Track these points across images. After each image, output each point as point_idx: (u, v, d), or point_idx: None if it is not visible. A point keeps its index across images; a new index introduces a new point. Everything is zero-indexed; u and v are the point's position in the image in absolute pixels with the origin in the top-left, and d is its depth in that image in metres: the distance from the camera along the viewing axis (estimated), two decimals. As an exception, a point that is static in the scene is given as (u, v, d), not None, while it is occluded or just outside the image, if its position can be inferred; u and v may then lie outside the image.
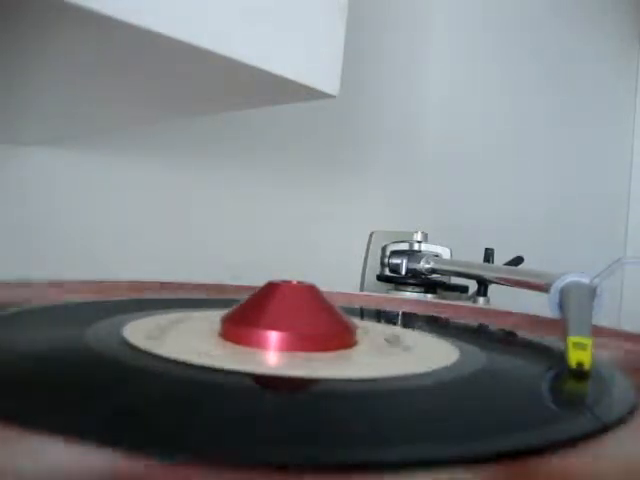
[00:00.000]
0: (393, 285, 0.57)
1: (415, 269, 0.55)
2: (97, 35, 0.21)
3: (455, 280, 0.56)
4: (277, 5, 0.25)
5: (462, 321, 0.33)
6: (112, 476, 0.10)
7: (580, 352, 0.18)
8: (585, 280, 0.24)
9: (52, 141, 0.46)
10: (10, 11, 0.19)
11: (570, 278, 0.25)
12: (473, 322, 0.33)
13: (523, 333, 0.30)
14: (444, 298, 0.55)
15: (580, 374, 0.18)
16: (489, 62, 0.92)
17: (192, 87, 0.29)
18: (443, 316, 0.35)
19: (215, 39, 0.22)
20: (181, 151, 0.55)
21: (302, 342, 0.19)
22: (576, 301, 0.22)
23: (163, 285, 0.39)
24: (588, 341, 0.18)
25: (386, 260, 0.58)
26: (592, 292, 0.24)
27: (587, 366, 0.18)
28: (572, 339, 0.18)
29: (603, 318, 0.26)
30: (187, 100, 0.33)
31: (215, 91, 0.30)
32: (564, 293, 0.24)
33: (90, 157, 0.49)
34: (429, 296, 0.55)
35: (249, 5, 0.23)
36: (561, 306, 0.24)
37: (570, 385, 0.19)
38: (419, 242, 0.57)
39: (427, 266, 0.54)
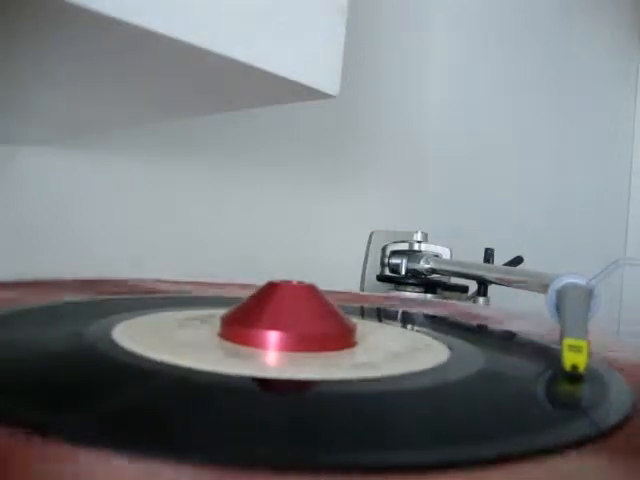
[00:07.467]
0: (393, 285, 0.57)
1: (415, 269, 0.55)
2: (97, 35, 0.21)
3: (455, 280, 0.56)
4: (277, 5, 0.25)
5: (461, 321, 0.33)
6: (113, 477, 0.10)
7: (575, 355, 0.18)
8: (582, 282, 0.24)
9: (52, 141, 0.47)
10: (10, 11, 0.19)
11: (567, 279, 0.25)
12: (472, 322, 0.33)
13: (524, 333, 0.30)
14: (444, 298, 0.55)
15: (575, 377, 0.18)
16: (489, 62, 0.92)
17: (192, 87, 0.29)
18: (442, 315, 0.35)
19: (215, 39, 0.22)
20: (181, 151, 0.55)
21: (302, 342, 0.19)
22: (572, 303, 0.22)
23: (162, 284, 0.39)
24: (583, 344, 0.18)
25: (386, 260, 0.58)
26: (589, 294, 0.24)
27: (582, 369, 0.18)
28: (567, 341, 0.18)
29: (602, 319, 0.26)
30: (187, 100, 0.33)
31: (215, 91, 0.30)
32: (560, 295, 0.24)
33: (90, 157, 0.49)
34: (429, 296, 0.55)
35: (249, 5, 0.23)
36: (558, 308, 0.24)
37: (565, 388, 0.19)
38: (419, 242, 0.57)
39: (427, 266, 0.54)
